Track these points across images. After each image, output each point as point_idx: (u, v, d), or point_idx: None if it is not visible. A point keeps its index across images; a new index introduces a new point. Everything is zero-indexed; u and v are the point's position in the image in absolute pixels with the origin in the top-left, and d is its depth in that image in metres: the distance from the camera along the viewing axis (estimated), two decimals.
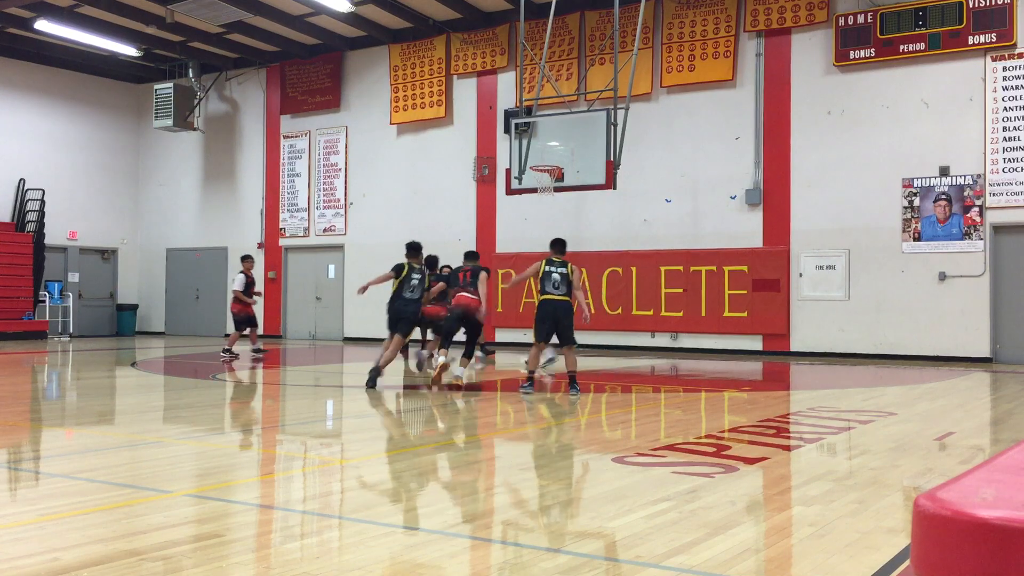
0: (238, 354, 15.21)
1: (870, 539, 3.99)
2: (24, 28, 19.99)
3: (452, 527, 4.20)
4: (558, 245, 10.54)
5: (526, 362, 10.56)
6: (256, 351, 15.35)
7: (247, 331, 15.44)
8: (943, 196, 15.25)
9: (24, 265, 21.54)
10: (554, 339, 10.30)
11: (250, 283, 15.39)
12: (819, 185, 16.23)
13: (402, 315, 11.22)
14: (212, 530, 4.16)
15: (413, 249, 11.52)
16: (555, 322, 10.13)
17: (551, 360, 13.16)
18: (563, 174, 14.19)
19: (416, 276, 11.41)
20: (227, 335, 15.84)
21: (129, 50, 21.36)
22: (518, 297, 18.21)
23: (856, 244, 15.91)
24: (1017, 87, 14.75)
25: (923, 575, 2.09)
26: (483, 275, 11.34)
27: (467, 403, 10.16)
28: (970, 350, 14.95)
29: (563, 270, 10.20)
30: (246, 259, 15.66)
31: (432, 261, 13.77)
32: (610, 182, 14.04)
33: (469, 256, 12.81)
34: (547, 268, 10.23)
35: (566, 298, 10.17)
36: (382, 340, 19.67)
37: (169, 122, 22.06)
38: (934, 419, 8.19)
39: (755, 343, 16.68)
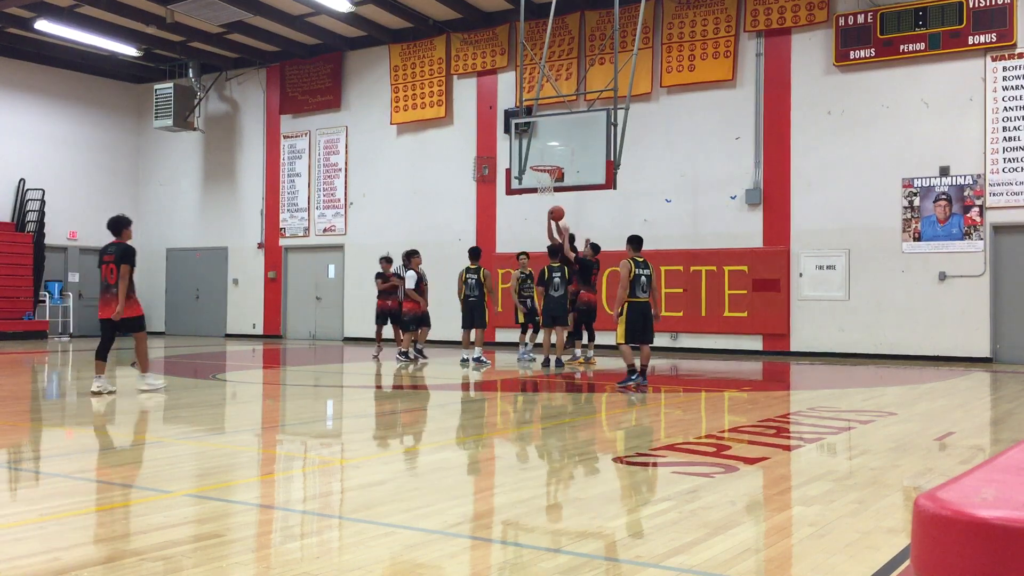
0: (416, 354, 14.72)
1: (870, 539, 3.99)
2: (24, 28, 19.99)
3: (452, 527, 4.20)
4: (639, 243, 10.71)
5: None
6: (418, 352, 14.72)
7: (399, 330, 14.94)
8: (943, 196, 15.24)
9: (24, 265, 21.54)
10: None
11: (420, 279, 14.58)
12: (819, 185, 16.23)
13: (551, 312, 13.45)
14: (212, 530, 4.16)
15: (549, 252, 13.81)
16: (644, 322, 10.39)
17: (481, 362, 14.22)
18: (563, 174, 14.20)
19: (556, 275, 13.51)
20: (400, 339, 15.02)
21: (129, 50, 21.36)
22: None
23: (856, 244, 15.91)
24: (1017, 87, 14.75)
25: (923, 575, 2.09)
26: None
27: (474, 402, 10.16)
28: (970, 350, 14.95)
29: (648, 271, 10.46)
30: (414, 255, 14.73)
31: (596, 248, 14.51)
32: (610, 182, 14.04)
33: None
34: (637, 271, 10.35)
35: (649, 299, 10.45)
36: (382, 340, 19.69)
37: (169, 122, 22.06)
38: (934, 419, 8.19)
39: (755, 343, 16.68)
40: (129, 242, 9.75)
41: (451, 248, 19.28)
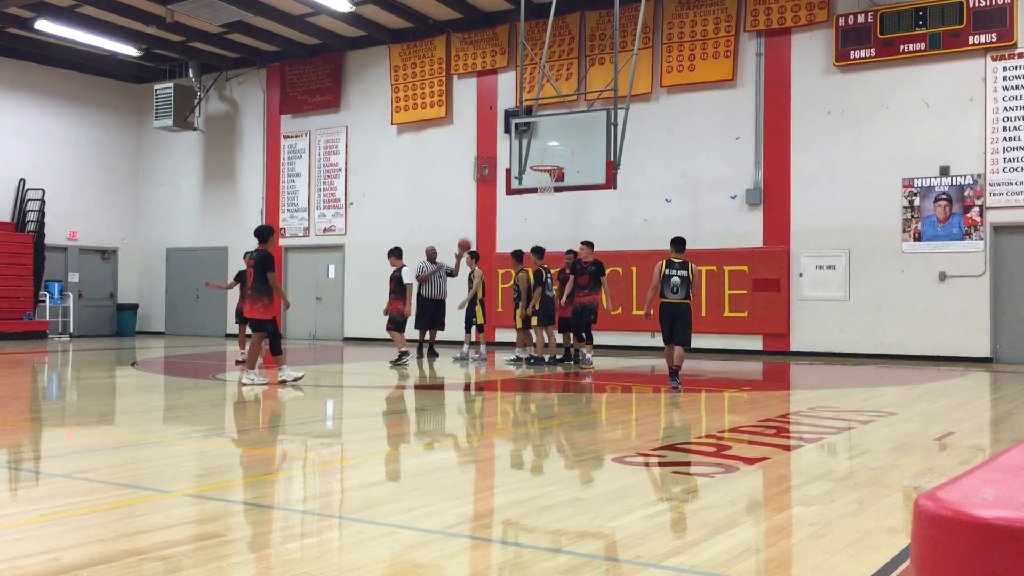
0: (408, 352, 14.32)
1: (870, 539, 3.99)
2: (24, 28, 19.99)
3: (452, 527, 4.20)
4: (679, 244, 10.66)
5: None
6: (401, 358, 14.08)
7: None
8: (943, 196, 15.24)
9: (24, 265, 21.54)
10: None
11: (393, 278, 14.27)
12: (819, 185, 16.23)
13: (549, 311, 13.98)
14: (212, 530, 4.16)
15: (538, 252, 14.34)
16: (671, 323, 10.41)
17: (465, 358, 14.74)
18: (563, 174, 14.19)
19: (548, 274, 14.09)
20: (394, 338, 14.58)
21: (129, 50, 21.36)
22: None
23: (856, 244, 15.91)
24: (1017, 87, 14.75)
25: (923, 575, 2.09)
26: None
27: (474, 402, 10.17)
28: (970, 350, 14.95)
29: (683, 272, 10.37)
30: (396, 253, 14.46)
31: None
32: (610, 182, 14.04)
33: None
34: (667, 271, 10.37)
35: (684, 301, 10.40)
36: (382, 340, 19.72)
37: (169, 122, 22.05)
38: (934, 419, 8.19)
39: (755, 343, 16.67)
40: (272, 248, 11.00)
41: (451, 248, 19.27)
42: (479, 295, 14.87)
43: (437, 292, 15.24)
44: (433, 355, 15.12)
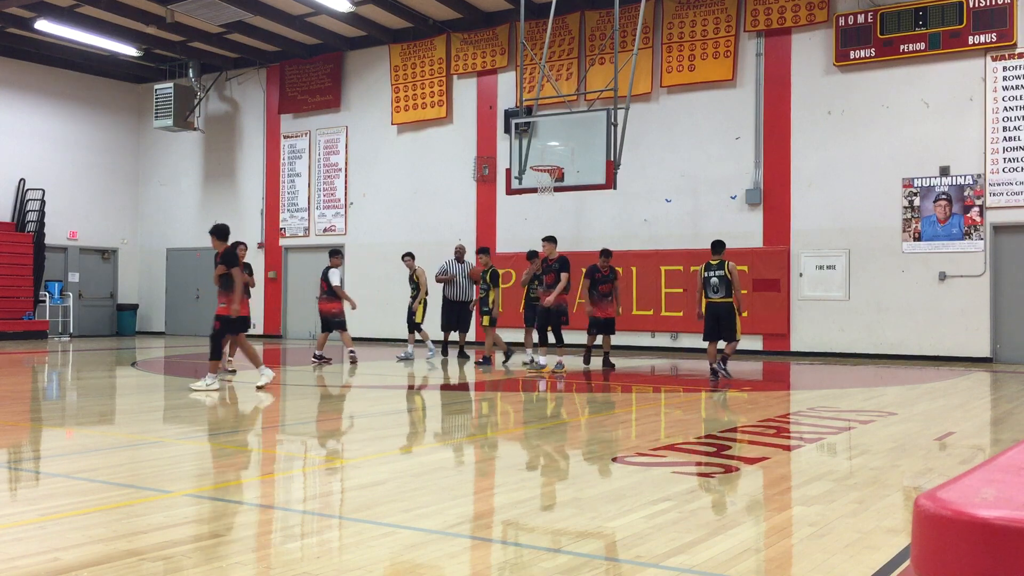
0: (330, 359, 14.41)
1: (870, 539, 3.99)
2: (24, 28, 19.99)
3: (452, 527, 4.20)
4: (717, 247, 11.42)
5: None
6: (351, 355, 14.34)
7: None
8: (943, 196, 15.25)
9: (24, 265, 21.54)
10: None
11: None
12: (819, 185, 16.23)
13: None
14: (212, 530, 4.16)
15: (485, 252, 14.37)
16: (716, 322, 11.23)
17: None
18: (563, 174, 14.18)
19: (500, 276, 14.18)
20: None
21: (129, 50, 21.36)
22: (517, 298, 18.15)
23: (856, 244, 15.91)
24: (1017, 87, 14.75)
25: (923, 575, 2.09)
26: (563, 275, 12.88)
27: (474, 402, 10.16)
28: (970, 350, 14.95)
29: (721, 272, 11.15)
30: (335, 254, 14.63)
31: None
32: (610, 182, 14.03)
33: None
34: (706, 274, 11.28)
35: (727, 299, 11.23)
36: (382, 340, 19.71)
37: (169, 122, 22.06)
38: (934, 419, 8.19)
39: (755, 343, 16.67)
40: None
41: (451, 248, 19.26)
42: (424, 294, 15.13)
43: (461, 294, 14.90)
44: (463, 357, 14.99)
